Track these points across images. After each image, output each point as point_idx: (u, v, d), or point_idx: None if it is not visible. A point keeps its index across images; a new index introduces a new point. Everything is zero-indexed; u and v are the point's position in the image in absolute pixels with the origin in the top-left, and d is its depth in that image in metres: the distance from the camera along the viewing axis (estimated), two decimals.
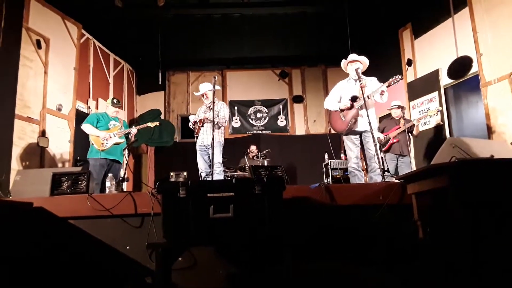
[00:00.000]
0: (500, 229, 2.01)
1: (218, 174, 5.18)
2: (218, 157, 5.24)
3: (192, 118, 5.60)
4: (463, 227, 2.04)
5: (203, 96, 5.50)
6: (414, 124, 6.03)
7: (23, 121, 5.59)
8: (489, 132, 5.64)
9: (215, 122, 5.09)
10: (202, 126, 5.38)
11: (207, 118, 5.28)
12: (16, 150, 5.37)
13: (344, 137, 4.60)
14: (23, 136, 5.57)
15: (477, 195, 2.07)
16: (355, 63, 4.57)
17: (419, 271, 2.66)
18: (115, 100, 5.51)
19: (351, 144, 4.53)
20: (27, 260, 1.40)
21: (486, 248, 1.98)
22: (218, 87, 5.17)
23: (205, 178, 5.22)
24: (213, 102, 4.91)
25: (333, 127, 4.72)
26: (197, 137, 5.49)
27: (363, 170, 4.69)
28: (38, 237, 1.48)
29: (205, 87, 5.46)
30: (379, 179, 4.25)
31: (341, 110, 4.55)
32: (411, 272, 2.74)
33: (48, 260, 1.47)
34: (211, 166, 4.99)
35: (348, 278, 2.78)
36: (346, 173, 6.69)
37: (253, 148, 8.06)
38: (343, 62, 4.72)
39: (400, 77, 4.34)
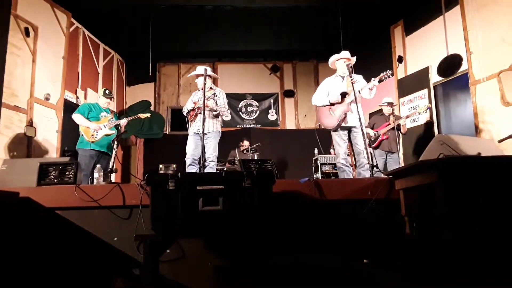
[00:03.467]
0: (486, 225, 2.04)
1: (211, 168, 4.87)
2: (214, 149, 4.89)
3: (190, 103, 5.06)
4: (450, 222, 2.07)
5: (197, 77, 4.95)
6: (401, 123, 6.06)
7: (10, 110, 5.50)
8: (477, 130, 5.71)
9: (217, 112, 4.91)
10: (200, 113, 4.70)
11: (207, 106, 4.70)
12: (3, 140, 5.29)
13: (333, 133, 4.61)
14: (10, 125, 5.48)
15: (464, 191, 2.10)
16: (348, 60, 4.61)
17: (406, 265, 2.69)
18: (107, 91, 5.45)
19: (339, 140, 4.55)
20: (13, 250, 1.39)
21: (473, 244, 2.01)
22: (212, 73, 5.00)
23: (190, 165, 4.85)
24: (204, 90, 4.57)
25: (321, 123, 4.72)
26: (191, 123, 5.01)
27: (351, 166, 4.72)
28: (24, 228, 1.46)
29: (201, 69, 4.80)
30: (367, 174, 4.29)
31: (332, 104, 4.57)
32: (399, 266, 2.78)
33: (34, 250, 1.46)
34: (201, 157, 4.57)
35: (337, 271, 2.81)
36: (335, 168, 6.73)
37: (245, 142, 8.06)
38: (335, 56, 4.73)
39: (390, 72, 4.37)
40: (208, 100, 4.77)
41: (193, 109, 4.99)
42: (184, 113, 5.16)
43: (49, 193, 3.13)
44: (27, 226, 1.49)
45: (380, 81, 4.40)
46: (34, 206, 1.54)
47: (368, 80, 4.51)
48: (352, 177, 4.65)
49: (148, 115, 5.56)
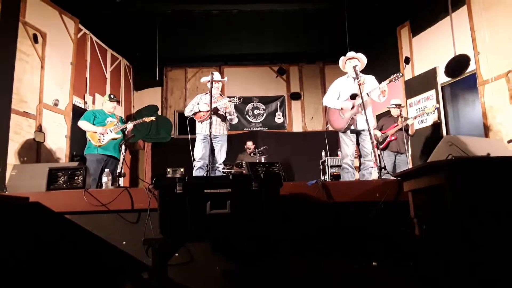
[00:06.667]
0: (496, 227, 2.02)
1: (220, 172, 5.02)
2: (225, 153, 5.05)
3: (203, 105, 5.01)
4: (460, 224, 2.05)
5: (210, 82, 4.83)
6: (409, 124, 6.03)
7: (20, 115, 5.56)
8: (486, 130, 5.66)
9: (228, 119, 5.08)
10: (213, 114, 4.81)
11: (227, 108, 4.90)
12: (13, 145, 5.34)
13: (341, 134, 4.58)
14: (19, 131, 5.54)
15: (473, 192, 2.07)
16: (353, 60, 4.56)
17: (415, 268, 2.67)
18: (111, 96, 5.49)
19: (348, 141, 4.51)
20: (23, 255, 1.40)
21: (483, 246, 1.98)
22: (221, 78, 5.10)
23: (200, 168, 4.91)
24: (211, 95, 4.65)
25: (331, 124, 4.69)
26: (201, 123, 5.03)
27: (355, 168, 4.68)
28: (34, 232, 1.48)
29: (219, 76, 5.07)
30: (370, 176, 4.26)
31: (341, 109, 4.54)
32: (408, 269, 2.75)
33: (44, 255, 1.47)
34: (211, 160, 4.78)
35: (345, 273, 2.79)
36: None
37: (249, 144, 8.05)
38: (342, 59, 4.70)
39: (400, 74, 4.34)
40: (221, 102, 4.91)
41: (206, 111, 4.93)
42: (191, 114, 5.11)
43: (58, 197, 3.15)
44: (37, 231, 1.51)
45: (389, 82, 4.35)
46: (44, 210, 1.55)
47: (380, 81, 4.47)
48: (355, 179, 4.61)
49: (153, 118, 5.60)
